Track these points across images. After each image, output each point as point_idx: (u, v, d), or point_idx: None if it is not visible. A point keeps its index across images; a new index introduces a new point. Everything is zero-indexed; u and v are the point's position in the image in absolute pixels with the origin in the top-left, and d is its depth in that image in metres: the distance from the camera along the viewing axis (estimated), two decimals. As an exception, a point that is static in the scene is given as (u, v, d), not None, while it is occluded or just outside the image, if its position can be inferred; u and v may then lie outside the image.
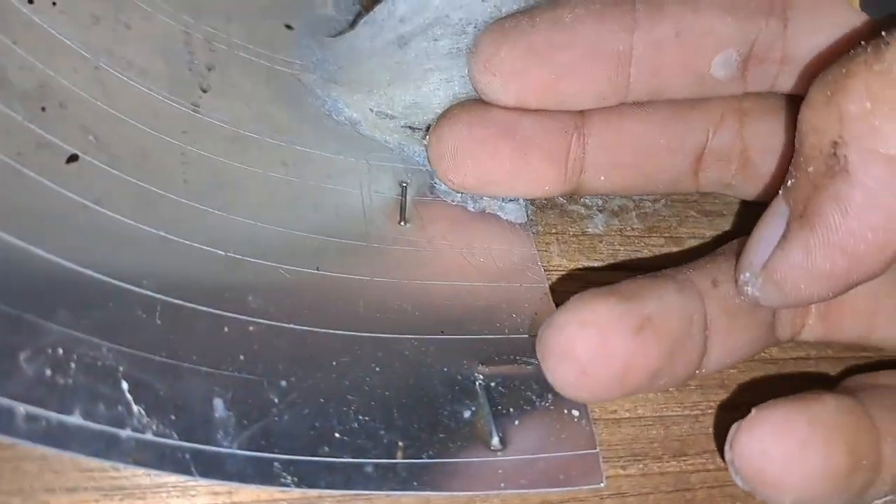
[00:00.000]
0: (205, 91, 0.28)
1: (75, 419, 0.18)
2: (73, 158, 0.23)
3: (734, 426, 0.22)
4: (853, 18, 0.25)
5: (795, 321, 0.26)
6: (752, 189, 0.29)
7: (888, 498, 0.23)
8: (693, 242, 0.31)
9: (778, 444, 0.21)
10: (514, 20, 0.27)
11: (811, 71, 0.26)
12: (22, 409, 0.18)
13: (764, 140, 0.28)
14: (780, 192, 0.23)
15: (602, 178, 0.28)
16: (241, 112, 0.28)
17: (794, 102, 0.27)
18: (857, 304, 0.26)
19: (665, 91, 0.27)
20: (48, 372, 0.19)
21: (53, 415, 0.18)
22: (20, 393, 0.18)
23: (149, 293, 0.22)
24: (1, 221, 0.20)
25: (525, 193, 0.28)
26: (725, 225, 0.32)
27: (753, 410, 0.22)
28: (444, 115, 0.28)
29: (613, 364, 0.22)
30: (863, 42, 0.21)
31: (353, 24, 0.33)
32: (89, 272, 0.21)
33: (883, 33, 0.21)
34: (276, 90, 0.30)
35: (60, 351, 0.19)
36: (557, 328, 0.22)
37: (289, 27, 0.32)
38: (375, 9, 0.31)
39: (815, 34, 0.26)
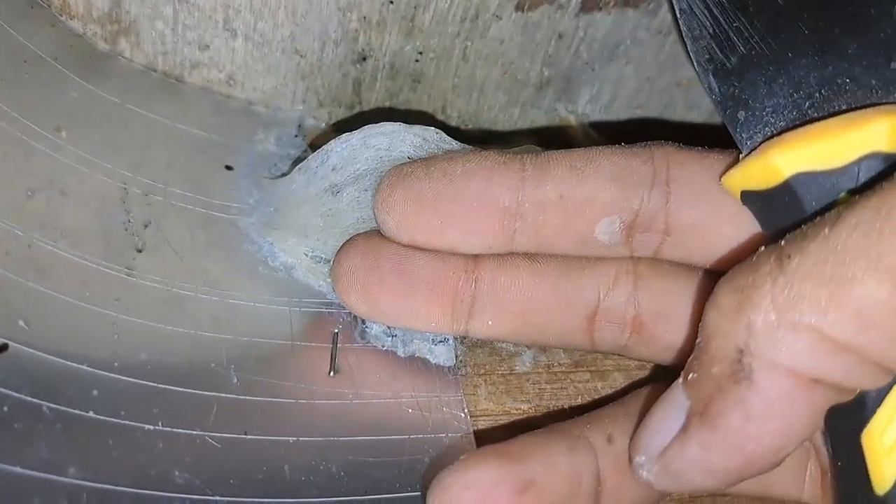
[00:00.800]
0: (140, 251, 0.29)
1: None
2: (2, 349, 0.24)
3: None
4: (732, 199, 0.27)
5: None
6: (645, 352, 0.30)
7: None
8: (618, 375, 0.32)
9: None
10: (412, 167, 0.29)
11: (693, 242, 0.28)
12: None
13: (657, 304, 0.29)
14: (681, 383, 0.24)
15: (490, 322, 0.29)
16: (175, 268, 0.29)
17: (684, 269, 0.29)
18: None
19: (550, 248, 0.28)
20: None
21: None
22: None
23: (74, 481, 0.23)
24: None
25: (412, 327, 0.30)
26: (650, 356, 0.33)
27: None
28: (347, 241, 0.30)
29: None
30: (764, 247, 0.23)
31: (295, 162, 0.34)
32: (14, 468, 0.22)
33: (782, 242, 0.22)
34: (212, 238, 0.31)
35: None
36: (443, 488, 0.24)
37: (229, 168, 0.34)
38: (310, 157, 0.32)
39: (697, 208, 0.28)
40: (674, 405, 0.24)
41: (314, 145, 0.36)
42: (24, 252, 0.26)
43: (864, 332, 0.21)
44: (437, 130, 0.31)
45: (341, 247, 0.30)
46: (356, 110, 0.39)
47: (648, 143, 0.29)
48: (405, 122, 0.31)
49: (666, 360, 0.29)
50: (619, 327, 0.29)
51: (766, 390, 0.22)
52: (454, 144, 0.31)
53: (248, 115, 0.36)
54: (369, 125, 0.31)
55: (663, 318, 0.29)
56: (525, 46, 0.37)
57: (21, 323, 0.24)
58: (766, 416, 0.22)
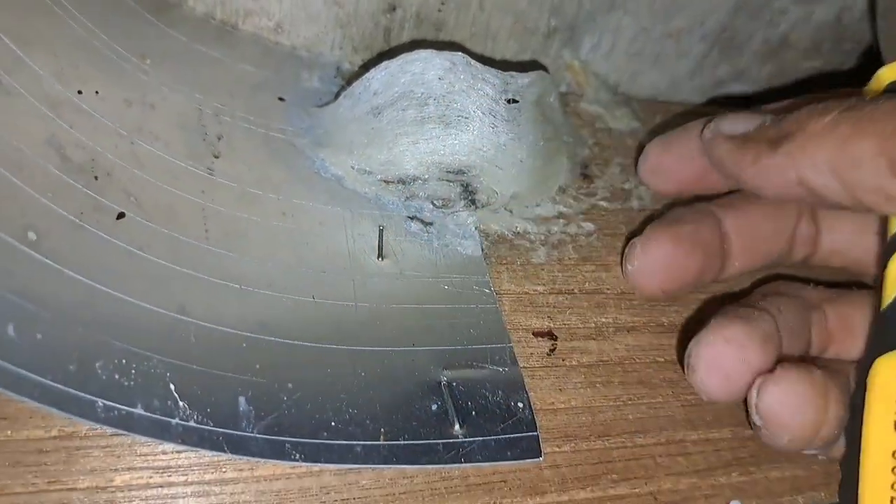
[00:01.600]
0: (216, 157, 0.34)
1: (139, 411, 0.25)
2: (121, 216, 0.29)
3: (760, 381, 0.30)
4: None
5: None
6: (826, 260, 0.37)
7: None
8: (619, 269, 0.38)
9: (788, 396, 0.29)
10: (674, 135, 0.38)
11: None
12: (100, 402, 0.24)
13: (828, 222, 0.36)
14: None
15: (736, 264, 0.36)
16: (246, 173, 0.34)
17: None
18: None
19: None
20: (116, 376, 0.25)
21: (123, 407, 0.25)
22: (98, 391, 0.24)
23: (184, 318, 0.28)
24: (72, 266, 0.27)
25: (681, 285, 0.35)
26: (647, 253, 0.39)
27: (778, 369, 0.30)
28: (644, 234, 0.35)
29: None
30: None
31: (336, 96, 0.40)
32: (139, 302, 0.27)
33: None
34: (273, 153, 0.36)
35: (124, 361, 0.26)
36: (705, 345, 0.31)
37: (281, 99, 0.39)
38: (353, 84, 0.38)
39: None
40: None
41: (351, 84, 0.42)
42: (128, 148, 0.31)
43: None
44: (464, 55, 0.36)
45: (641, 239, 0.35)
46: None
47: None
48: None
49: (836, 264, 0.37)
50: (807, 244, 0.36)
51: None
52: (478, 66, 0.36)
53: (294, 59, 0.42)
54: (405, 53, 0.36)
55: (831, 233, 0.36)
56: (534, -3, 0.43)
57: (132, 199, 0.30)
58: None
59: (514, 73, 0.37)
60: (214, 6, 0.40)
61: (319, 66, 0.42)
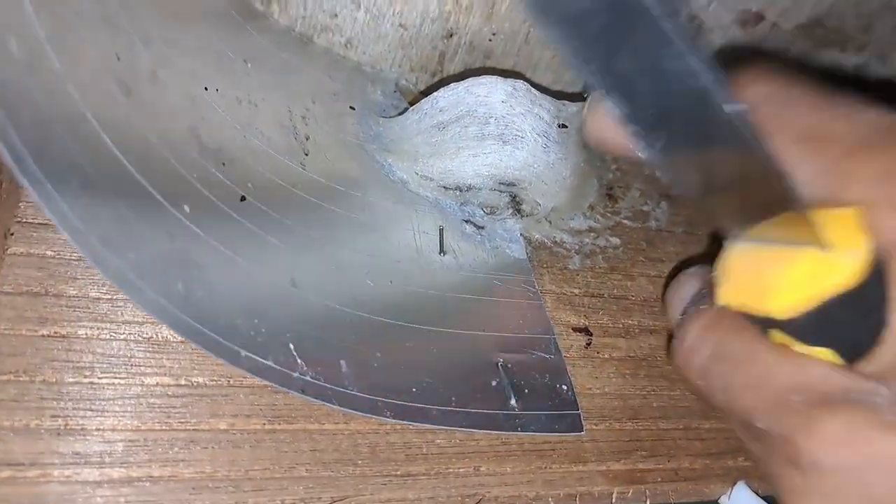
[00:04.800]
0: (306, 154, 0.39)
1: (270, 363, 0.29)
2: (242, 199, 0.34)
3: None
4: None
5: None
6: None
7: None
8: (642, 279, 0.43)
9: None
10: None
11: None
12: (243, 352, 0.29)
13: None
14: None
15: None
16: (329, 170, 0.39)
17: None
18: None
19: None
20: (251, 333, 0.30)
21: (259, 358, 0.29)
22: (241, 343, 0.29)
23: (294, 290, 0.33)
24: (214, 237, 0.31)
25: None
26: (665, 269, 0.44)
27: None
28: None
29: None
30: None
31: (402, 112, 0.45)
32: (262, 272, 0.32)
33: None
34: (349, 155, 0.41)
35: (255, 321, 0.30)
36: None
37: (352, 108, 0.44)
38: (421, 101, 0.42)
39: None
40: None
41: (411, 102, 0.47)
42: (243, 141, 0.36)
43: None
44: (524, 82, 0.41)
45: None
46: (437, 77, 0.49)
47: None
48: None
49: None
50: None
51: None
52: (537, 93, 0.41)
53: (359, 72, 0.47)
54: (472, 77, 0.41)
55: None
56: (574, 35, 0.48)
57: (249, 185, 0.35)
58: None
59: (565, 102, 0.42)
60: (296, 20, 0.45)
61: (381, 80, 0.47)
